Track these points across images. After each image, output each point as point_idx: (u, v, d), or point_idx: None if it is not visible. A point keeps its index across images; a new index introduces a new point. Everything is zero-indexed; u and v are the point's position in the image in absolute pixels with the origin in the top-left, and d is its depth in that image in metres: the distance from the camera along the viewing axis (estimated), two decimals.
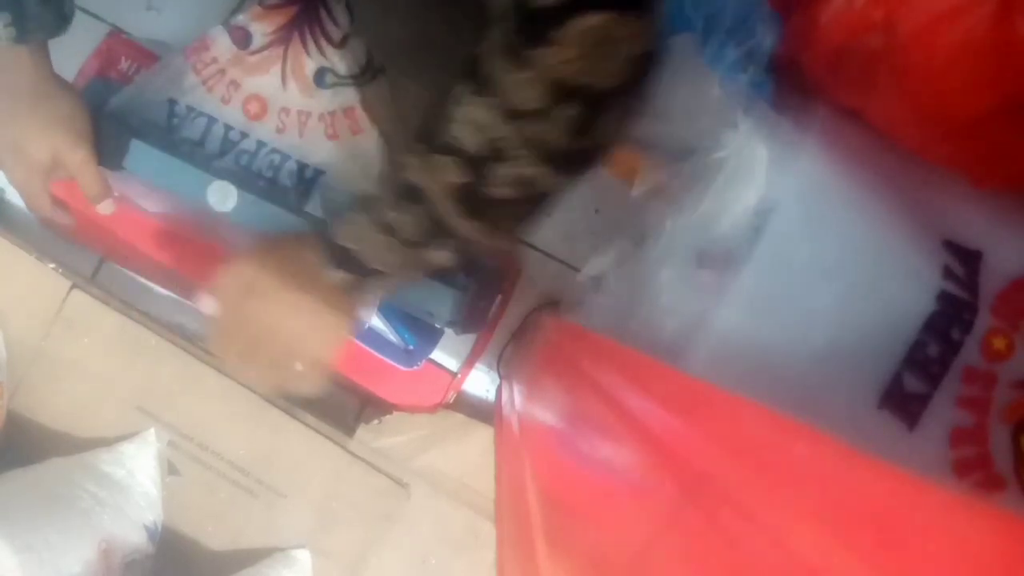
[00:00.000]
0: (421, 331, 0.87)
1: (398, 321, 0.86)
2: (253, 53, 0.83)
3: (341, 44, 0.83)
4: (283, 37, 0.83)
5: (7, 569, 0.72)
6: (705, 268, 0.60)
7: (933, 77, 0.53)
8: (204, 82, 0.83)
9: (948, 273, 0.56)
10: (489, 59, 0.49)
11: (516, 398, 0.88)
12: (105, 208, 0.75)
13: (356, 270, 0.59)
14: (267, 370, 0.63)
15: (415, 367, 0.91)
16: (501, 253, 0.99)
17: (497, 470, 0.94)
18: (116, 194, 0.76)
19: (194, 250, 0.89)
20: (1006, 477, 0.54)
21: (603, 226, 0.93)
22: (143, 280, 1.04)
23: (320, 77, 0.83)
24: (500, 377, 1.05)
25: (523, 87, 0.48)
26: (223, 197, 0.75)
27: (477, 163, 0.51)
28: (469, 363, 1.01)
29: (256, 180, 0.83)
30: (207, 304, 0.62)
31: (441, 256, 0.57)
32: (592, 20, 0.45)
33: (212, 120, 0.83)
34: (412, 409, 0.99)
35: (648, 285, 0.65)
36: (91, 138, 0.71)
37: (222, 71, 0.83)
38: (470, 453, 0.98)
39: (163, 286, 1.03)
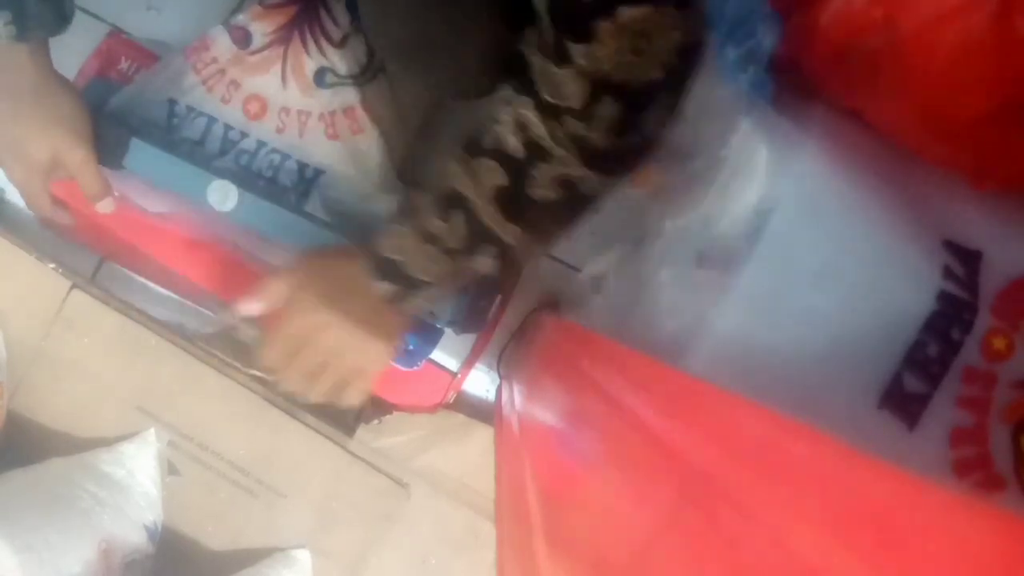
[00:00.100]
0: (421, 331, 0.87)
1: None
2: (253, 53, 0.83)
3: (341, 44, 0.83)
4: (283, 37, 0.83)
5: (7, 569, 0.72)
6: (705, 268, 0.60)
7: (933, 77, 0.53)
8: (204, 82, 0.83)
9: (948, 273, 0.56)
10: (530, 56, 0.49)
11: (516, 398, 0.88)
12: (105, 208, 0.75)
13: (401, 282, 0.59)
14: (313, 382, 0.63)
15: (415, 367, 0.91)
16: (539, 258, 1.00)
17: (497, 470, 0.94)
18: (116, 194, 0.76)
19: (207, 258, 0.89)
20: (1006, 477, 0.54)
21: (603, 226, 0.93)
22: (143, 280, 1.04)
23: (320, 77, 0.83)
24: (500, 377, 1.05)
25: (565, 83, 0.48)
26: (223, 196, 0.75)
27: (519, 164, 0.51)
28: (469, 363, 1.01)
29: (256, 180, 0.83)
30: (250, 319, 0.63)
31: (483, 264, 0.57)
32: (632, 13, 0.45)
33: (212, 120, 0.83)
34: (412, 409, 0.99)
35: (648, 285, 0.65)
36: (91, 138, 0.71)
37: (222, 71, 0.83)
38: (470, 453, 0.98)
39: (163, 286, 1.03)
